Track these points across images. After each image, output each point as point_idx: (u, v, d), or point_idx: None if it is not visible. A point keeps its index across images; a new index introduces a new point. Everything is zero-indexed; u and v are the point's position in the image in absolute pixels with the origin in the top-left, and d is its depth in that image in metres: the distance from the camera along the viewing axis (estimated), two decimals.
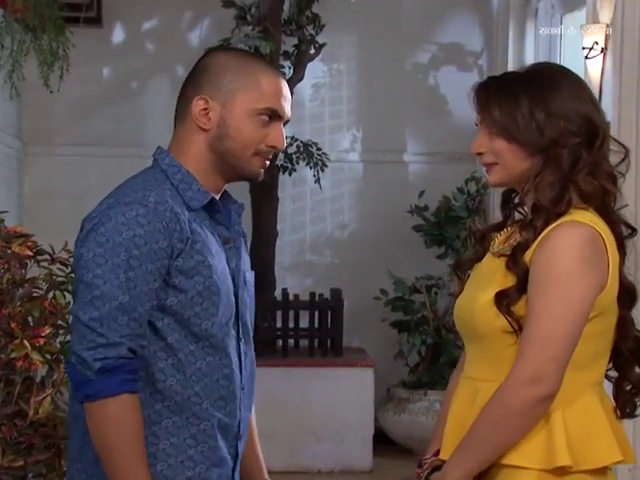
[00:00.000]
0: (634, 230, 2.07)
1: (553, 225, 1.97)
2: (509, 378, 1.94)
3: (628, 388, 2.08)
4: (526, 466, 1.95)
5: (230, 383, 2.04)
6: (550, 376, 1.91)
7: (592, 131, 2.01)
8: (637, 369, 2.08)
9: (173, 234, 1.94)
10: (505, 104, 2.01)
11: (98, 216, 1.95)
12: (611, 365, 2.08)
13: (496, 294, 1.97)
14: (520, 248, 1.99)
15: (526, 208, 2.09)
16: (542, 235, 1.97)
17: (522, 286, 1.96)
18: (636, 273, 2.11)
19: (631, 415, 2.09)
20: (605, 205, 2.02)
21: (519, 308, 1.97)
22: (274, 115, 2.04)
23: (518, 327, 1.96)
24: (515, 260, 1.98)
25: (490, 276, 2.03)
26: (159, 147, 2.09)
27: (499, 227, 2.15)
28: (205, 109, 2.02)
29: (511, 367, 1.94)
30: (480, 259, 2.13)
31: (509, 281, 1.98)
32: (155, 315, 1.95)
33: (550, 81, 2.03)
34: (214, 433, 2.01)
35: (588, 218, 1.98)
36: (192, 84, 2.06)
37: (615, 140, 2.07)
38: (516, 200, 2.13)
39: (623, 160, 2.07)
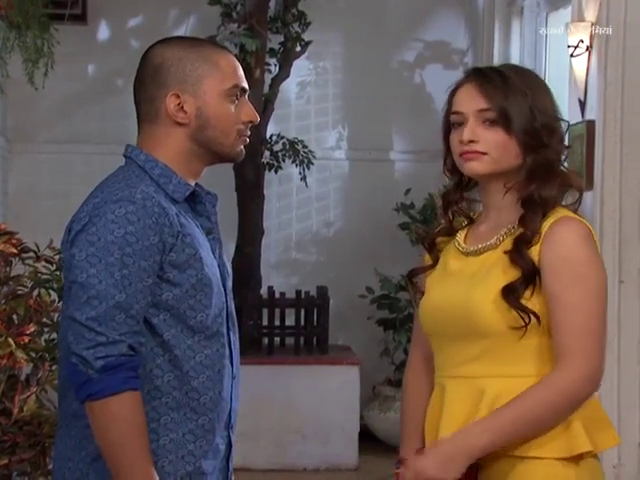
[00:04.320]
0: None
1: (550, 221, 2.00)
2: (571, 372, 1.95)
3: None
4: (544, 456, 1.97)
5: (228, 373, 2.05)
6: (602, 372, 1.99)
7: (562, 135, 2.08)
8: None
9: (163, 229, 1.94)
10: (513, 97, 2.02)
11: (87, 216, 1.95)
12: None
13: (503, 289, 1.98)
14: (524, 241, 2.00)
15: (465, 206, 2.13)
16: (543, 231, 2.00)
17: (528, 279, 1.98)
18: None
19: None
20: (574, 204, 2.08)
21: (526, 301, 1.98)
22: (241, 91, 2.06)
23: (529, 320, 1.97)
24: (520, 253, 1.99)
25: (481, 275, 2.03)
26: (129, 145, 2.08)
27: (449, 231, 2.16)
28: (178, 104, 2.02)
29: (560, 360, 1.96)
30: (435, 264, 2.15)
31: (509, 276, 1.99)
32: (150, 312, 1.95)
33: (539, 81, 2.09)
34: (212, 427, 2.01)
35: (574, 215, 2.04)
36: (153, 84, 2.04)
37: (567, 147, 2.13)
38: (456, 197, 2.15)
39: (578, 200, 2.10)
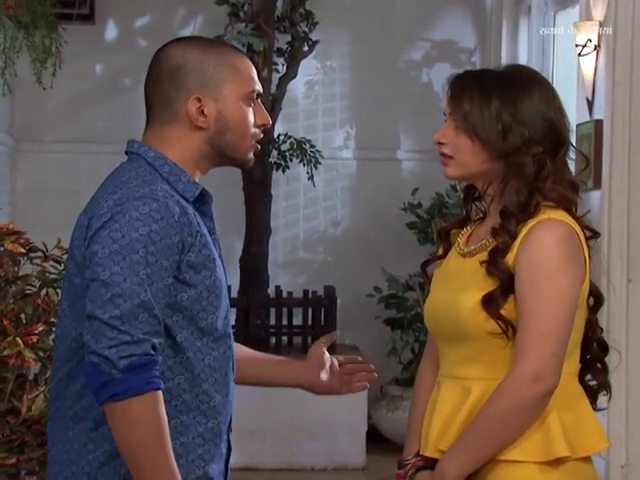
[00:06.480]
0: (596, 234, 2.10)
1: (531, 224, 2.00)
2: (512, 376, 1.95)
3: (591, 383, 2.13)
4: (523, 460, 1.97)
5: (233, 375, 2.04)
6: (552, 371, 1.95)
7: (556, 140, 2.04)
8: (599, 366, 2.13)
9: (184, 228, 1.92)
10: (477, 102, 2.03)
11: (108, 212, 1.90)
12: None
13: (483, 298, 1.98)
14: (499, 252, 2.00)
15: (484, 204, 2.12)
16: (522, 235, 1.99)
17: (506, 289, 1.98)
18: (600, 277, 2.13)
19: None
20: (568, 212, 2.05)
21: (506, 310, 1.98)
22: (257, 96, 2.05)
23: (507, 329, 1.97)
24: (495, 264, 1.99)
25: (469, 278, 2.04)
26: (134, 141, 2.04)
27: (462, 223, 2.17)
28: (199, 107, 2.00)
29: (511, 364, 1.96)
30: (445, 256, 2.16)
31: (491, 284, 2.00)
32: (165, 313, 1.92)
33: (523, 85, 2.05)
34: (219, 431, 2.00)
35: (562, 216, 2.01)
36: (171, 84, 2.01)
37: (577, 150, 2.11)
38: (476, 195, 2.15)
39: (584, 169, 2.11)
